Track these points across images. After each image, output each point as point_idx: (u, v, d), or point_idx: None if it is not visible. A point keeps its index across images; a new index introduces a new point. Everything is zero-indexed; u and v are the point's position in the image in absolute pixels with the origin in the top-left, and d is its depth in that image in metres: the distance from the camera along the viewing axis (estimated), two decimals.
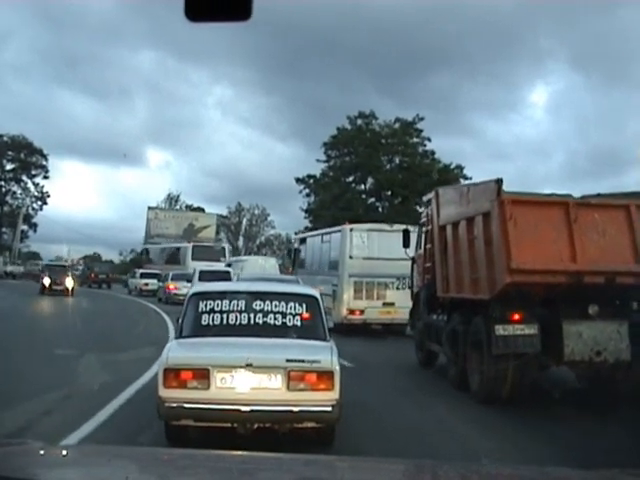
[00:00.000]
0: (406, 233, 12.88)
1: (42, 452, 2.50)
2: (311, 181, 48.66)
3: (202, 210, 66.92)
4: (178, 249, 40.90)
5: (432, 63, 69.07)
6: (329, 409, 5.57)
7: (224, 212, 69.89)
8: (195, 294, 6.63)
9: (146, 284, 35.67)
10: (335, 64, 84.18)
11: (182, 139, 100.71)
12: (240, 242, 70.88)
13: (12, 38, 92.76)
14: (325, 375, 5.64)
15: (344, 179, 48.15)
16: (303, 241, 21.98)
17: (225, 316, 6.21)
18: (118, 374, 9.23)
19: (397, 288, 16.45)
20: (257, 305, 6.27)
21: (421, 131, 46.81)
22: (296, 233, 37.26)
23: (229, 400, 5.53)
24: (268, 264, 26.52)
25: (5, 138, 66.82)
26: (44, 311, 23.78)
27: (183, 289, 24.23)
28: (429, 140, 47.20)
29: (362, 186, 48.66)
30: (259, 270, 23.18)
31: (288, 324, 6.23)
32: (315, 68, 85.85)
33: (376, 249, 16.57)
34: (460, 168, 45.48)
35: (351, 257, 16.66)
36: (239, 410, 5.49)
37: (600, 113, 71.36)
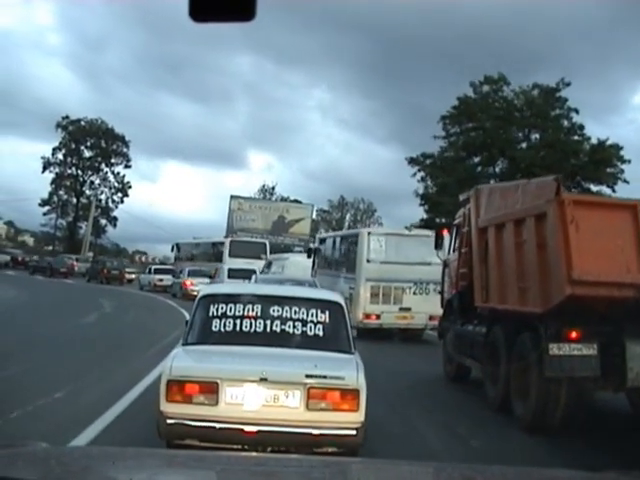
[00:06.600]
0: (438, 234, 11.92)
1: (46, 453, 2.47)
2: (427, 162, 39.99)
3: (298, 202, 57.35)
4: (214, 244, 39.00)
5: (529, 65, 65.62)
6: (353, 432, 4.94)
7: (325, 207, 63.90)
8: (206, 296, 5.92)
9: (160, 280, 35.27)
10: (433, 68, 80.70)
11: (283, 142, 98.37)
12: None
13: (115, 44, 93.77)
14: (350, 394, 5.01)
15: (468, 160, 39.79)
16: (323, 241, 21.45)
17: (238, 322, 5.53)
18: None
19: (414, 293, 16.25)
20: (275, 311, 5.60)
21: (566, 100, 37.89)
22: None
23: (240, 419, 4.93)
24: (310, 263, 24.80)
25: (83, 123, 60.19)
26: None
27: (200, 285, 24.03)
28: (576, 112, 37.95)
29: (491, 168, 40.18)
30: (299, 270, 21.38)
31: (309, 333, 5.55)
32: (413, 72, 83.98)
33: (394, 254, 16.25)
34: (617, 148, 36.66)
35: (368, 261, 16.30)
36: (251, 431, 4.90)
37: None
